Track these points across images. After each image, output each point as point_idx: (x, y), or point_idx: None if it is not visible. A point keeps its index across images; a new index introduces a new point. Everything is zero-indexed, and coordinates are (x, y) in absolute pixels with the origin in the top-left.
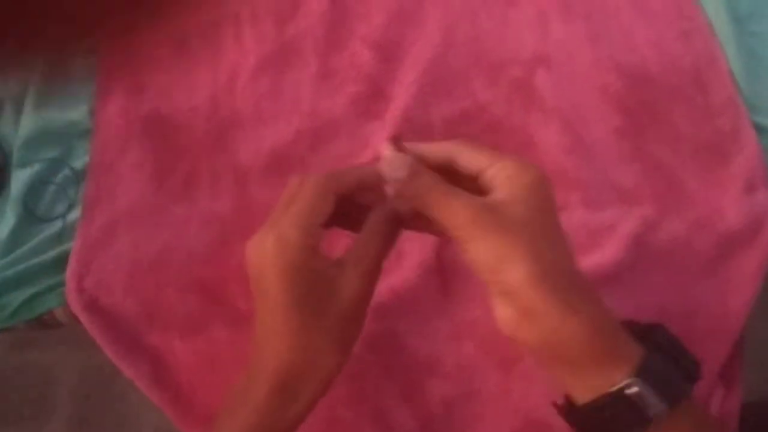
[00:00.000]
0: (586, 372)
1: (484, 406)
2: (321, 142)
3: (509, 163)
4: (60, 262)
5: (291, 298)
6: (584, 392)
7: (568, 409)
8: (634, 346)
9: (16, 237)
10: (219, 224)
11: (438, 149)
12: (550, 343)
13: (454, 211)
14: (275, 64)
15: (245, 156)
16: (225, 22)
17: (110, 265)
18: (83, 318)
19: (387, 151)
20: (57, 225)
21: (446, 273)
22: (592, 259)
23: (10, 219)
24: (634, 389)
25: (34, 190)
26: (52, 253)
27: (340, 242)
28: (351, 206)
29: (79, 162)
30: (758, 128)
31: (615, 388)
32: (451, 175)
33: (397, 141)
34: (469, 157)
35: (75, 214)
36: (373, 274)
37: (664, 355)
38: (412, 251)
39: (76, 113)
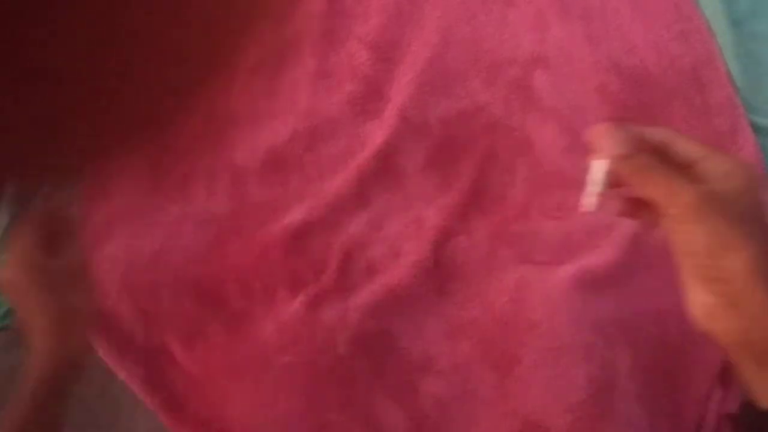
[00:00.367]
0: None
1: (479, 407)
2: (318, 142)
3: (728, 158)
4: None
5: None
6: None
7: (748, 415)
8: None
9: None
10: (215, 224)
11: (655, 133)
12: (751, 335)
13: (678, 190)
14: (272, 64)
15: (241, 156)
16: None
17: (105, 265)
18: None
19: (613, 128)
20: None
21: (443, 273)
22: (591, 260)
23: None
24: None
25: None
26: None
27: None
28: None
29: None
30: (756, 128)
31: None
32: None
33: (618, 122)
34: (685, 146)
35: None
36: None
37: None
38: (409, 251)
39: None
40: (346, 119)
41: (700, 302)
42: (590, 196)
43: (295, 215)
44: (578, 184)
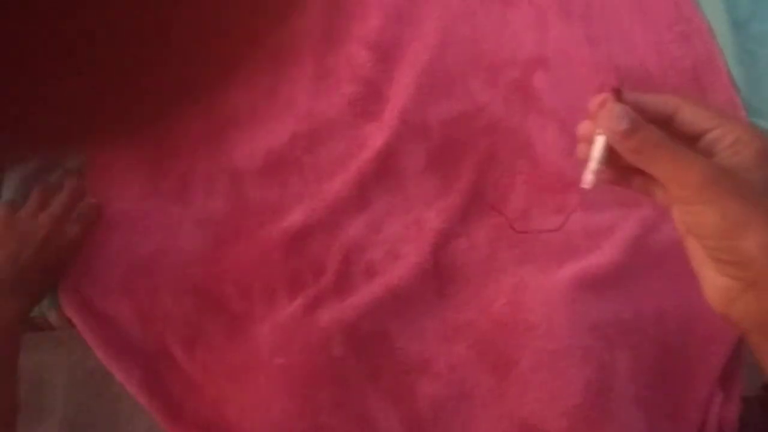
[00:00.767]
0: None
1: (476, 410)
2: (317, 143)
3: (737, 126)
4: None
5: None
6: None
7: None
8: None
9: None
10: (214, 226)
11: (660, 101)
12: None
13: (686, 169)
14: (271, 64)
15: (240, 157)
16: None
17: (104, 267)
18: (76, 321)
19: (609, 101)
20: None
21: (442, 275)
22: (591, 261)
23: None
24: None
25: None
26: None
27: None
28: None
29: (73, 162)
30: None
31: None
32: (665, 130)
33: (617, 92)
34: (691, 115)
35: None
36: None
37: None
38: (409, 253)
39: None
40: (345, 121)
41: (716, 286)
42: (589, 173)
43: (295, 217)
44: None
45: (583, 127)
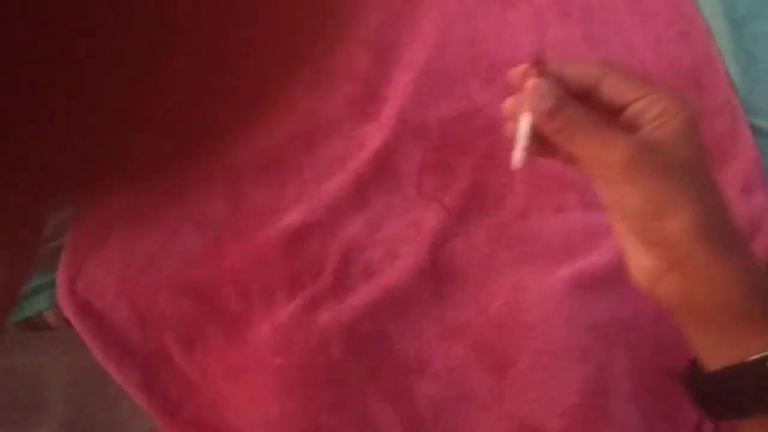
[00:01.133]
0: (726, 335)
1: (475, 410)
2: (315, 144)
3: (663, 97)
4: (50, 262)
5: None
6: (718, 358)
7: (692, 376)
8: None
9: None
10: (212, 226)
11: (581, 73)
12: (695, 298)
13: (609, 148)
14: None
15: (239, 158)
16: None
17: (102, 267)
18: (75, 321)
19: (532, 77)
20: (48, 225)
21: (440, 275)
22: (589, 261)
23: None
24: None
25: None
26: (42, 253)
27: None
28: None
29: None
30: (755, 130)
31: (755, 357)
32: (588, 103)
33: (540, 64)
34: (615, 86)
35: (66, 214)
36: None
37: None
38: (407, 253)
39: None
40: (343, 121)
41: (641, 266)
42: (518, 152)
43: (293, 217)
44: (578, 184)
45: (509, 104)
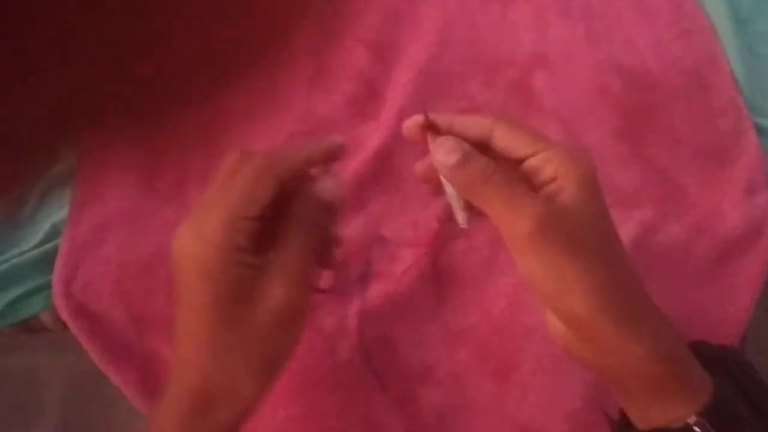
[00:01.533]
0: (647, 402)
1: (478, 416)
2: None
3: (553, 154)
4: (46, 263)
5: (206, 302)
6: (644, 422)
7: (624, 428)
8: (702, 380)
9: (1, 237)
10: None
11: (473, 124)
12: (609, 370)
13: (515, 215)
14: (268, 65)
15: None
16: None
17: (98, 268)
18: (71, 323)
19: (438, 137)
20: (44, 226)
21: (441, 279)
22: None
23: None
24: (698, 426)
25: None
26: (37, 254)
27: None
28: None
29: (66, 162)
30: (759, 129)
31: (677, 426)
32: (486, 153)
33: (430, 125)
34: (505, 140)
35: (62, 215)
36: (302, 280)
37: (735, 389)
38: (407, 256)
39: None
40: (343, 121)
41: (556, 331)
42: (458, 215)
43: None
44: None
45: (418, 168)
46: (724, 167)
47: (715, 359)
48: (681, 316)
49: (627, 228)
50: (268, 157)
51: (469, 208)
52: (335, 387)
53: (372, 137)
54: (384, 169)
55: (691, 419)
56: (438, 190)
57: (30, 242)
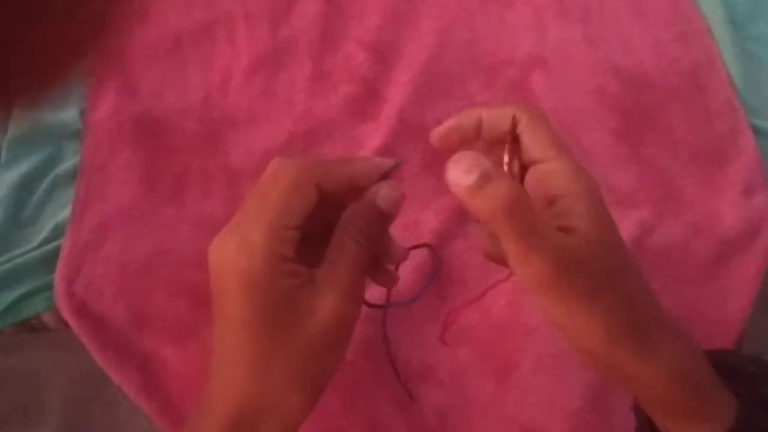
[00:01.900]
0: (668, 418)
1: (478, 416)
2: (314, 144)
3: (563, 170)
4: (48, 263)
5: (249, 317)
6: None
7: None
8: (725, 400)
9: (3, 237)
10: (210, 227)
11: (500, 120)
12: (634, 391)
13: (526, 257)
14: (269, 65)
15: (237, 158)
16: (218, 23)
17: (100, 268)
18: (73, 323)
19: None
20: (46, 226)
21: (442, 278)
22: None
23: None
24: None
25: (23, 190)
26: (39, 254)
27: None
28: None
29: (69, 163)
30: (756, 131)
31: None
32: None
33: (514, 131)
34: (525, 137)
35: (64, 215)
36: (353, 293)
37: (762, 405)
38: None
39: (67, 114)
40: (342, 121)
41: (580, 354)
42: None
43: None
44: None
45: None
46: (721, 168)
47: (740, 371)
48: (679, 316)
49: (625, 228)
50: (306, 163)
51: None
52: (338, 386)
53: (372, 137)
54: None
55: None
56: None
57: (32, 242)
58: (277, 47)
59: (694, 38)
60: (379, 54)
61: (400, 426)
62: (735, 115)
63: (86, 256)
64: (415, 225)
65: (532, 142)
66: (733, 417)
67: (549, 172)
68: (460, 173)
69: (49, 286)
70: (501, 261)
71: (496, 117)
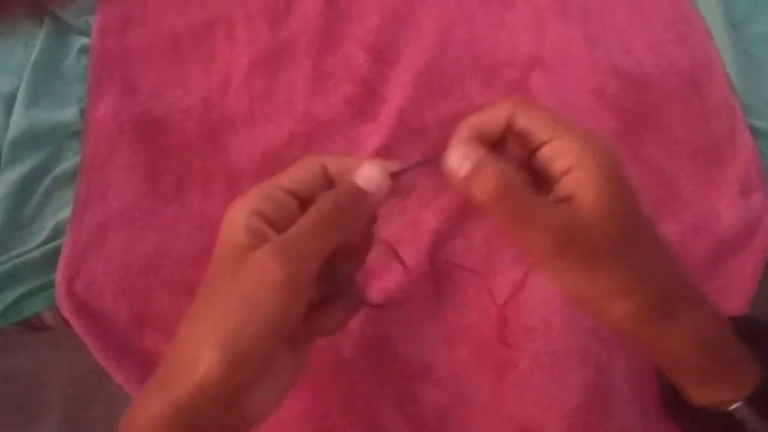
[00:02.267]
0: (696, 385)
1: (477, 414)
2: (314, 144)
3: (571, 141)
4: (48, 263)
5: (210, 273)
6: (693, 397)
7: (674, 398)
8: (748, 365)
9: (4, 237)
10: (211, 227)
11: (491, 121)
12: (657, 355)
13: (531, 236)
14: (268, 66)
15: (238, 158)
16: (218, 23)
17: (101, 268)
18: (74, 322)
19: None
20: (46, 227)
21: (440, 277)
22: None
23: None
24: (742, 415)
25: (24, 190)
26: (40, 254)
27: None
28: None
29: (69, 163)
30: (754, 130)
31: (722, 409)
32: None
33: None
34: (525, 125)
35: (64, 215)
36: (289, 252)
37: None
38: (405, 255)
39: (67, 114)
40: (342, 121)
41: (602, 321)
42: None
43: None
44: None
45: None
46: (719, 168)
47: (763, 336)
48: None
49: None
50: (325, 156)
51: None
52: (337, 385)
53: (371, 138)
54: None
55: (736, 406)
56: None
57: (33, 242)
58: (276, 47)
59: (693, 39)
60: (379, 54)
61: (399, 425)
62: (733, 115)
63: (87, 256)
64: (414, 225)
65: (534, 126)
66: (757, 381)
67: (558, 148)
68: (456, 163)
69: (50, 286)
70: None
71: (489, 119)
